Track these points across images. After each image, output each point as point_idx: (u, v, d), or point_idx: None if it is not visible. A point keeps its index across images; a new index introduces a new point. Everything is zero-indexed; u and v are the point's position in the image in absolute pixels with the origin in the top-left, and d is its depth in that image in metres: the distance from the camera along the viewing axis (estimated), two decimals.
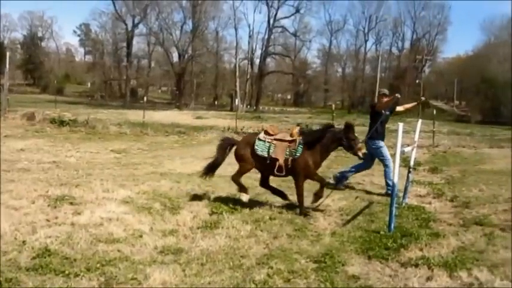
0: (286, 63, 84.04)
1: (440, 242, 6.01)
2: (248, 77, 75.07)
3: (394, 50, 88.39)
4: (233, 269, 4.95)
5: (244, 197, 7.50)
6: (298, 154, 7.31)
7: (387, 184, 9.32)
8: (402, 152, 7.45)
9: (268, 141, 7.44)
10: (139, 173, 10.55)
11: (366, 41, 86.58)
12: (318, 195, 7.49)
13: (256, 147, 7.46)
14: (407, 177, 8.75)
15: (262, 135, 7.58)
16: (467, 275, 4.91)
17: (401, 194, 8.59)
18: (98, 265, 4.83)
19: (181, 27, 71.44)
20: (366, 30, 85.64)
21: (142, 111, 27.08)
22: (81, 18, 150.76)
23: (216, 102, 79.28)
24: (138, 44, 77.67)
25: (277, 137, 7.50)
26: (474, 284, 4.71)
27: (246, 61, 77.05)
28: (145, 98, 35.98)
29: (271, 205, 7.72)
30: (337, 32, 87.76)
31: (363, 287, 4.67)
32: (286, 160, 7.31)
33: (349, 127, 7.40)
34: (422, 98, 10.73)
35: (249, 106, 71.59)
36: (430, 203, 8.59)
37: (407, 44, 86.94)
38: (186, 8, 70.55)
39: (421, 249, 5.69)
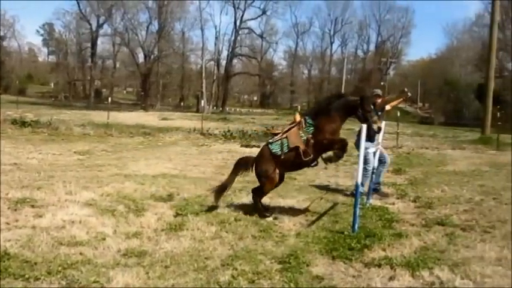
0: (253, 64, 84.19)
1: (403, 242, 6.10)
2: (214, 78, 74.90)
3: (360, 53, 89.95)
4: (197, 271, 4.91)
5: (270, 217, 7.26)
6: (311, 128, 7.16)
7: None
8: (366, 153, 7.55)
9: (279, 139, 7.31)
10: (103, 174, 10.40)
11: (331, 43, 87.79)
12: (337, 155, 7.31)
13: (273, 151, 7.29)
14: (371, 178, 8.86)
15: (271, 140, 7.48)
16: (429, 274, 4.99)
17: (365, 195, 8.70)
18: (60, 268, 4.73)
19: (147, 27, 70.92)
20: (332, 33, 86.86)
21: (107, 112, 26.77)
22: (45, 18, 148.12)
23: (182, 104, 78.87)
24: (103, 45, 76.80)
25: (285, 130, 7.42)
26: (435, 283, 4.78)
27: (212, 62, 76.90)
28: (109, 99, 35.60)
29: (237, 206, 7.72)
30: (303, 34, 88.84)
31: (326, 287, 4.70)
32: (307, 141, 7.11)
33: (365, 98, 7.23)
34: (409, 94, 10.76)
35: (215, 107, 71.47)
36: (393, 204, 8.68)
37: (372, 47, 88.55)
38: (152, 9, 70.03)
39: (384, 250, 5.75)
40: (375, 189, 9.35)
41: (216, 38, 76.52)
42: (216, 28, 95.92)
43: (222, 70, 77.42)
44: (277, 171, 7.34)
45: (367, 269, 5.16)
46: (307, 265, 5.17)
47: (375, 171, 9.03)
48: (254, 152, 16.68)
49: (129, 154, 14.83)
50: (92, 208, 7.09)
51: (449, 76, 67.99)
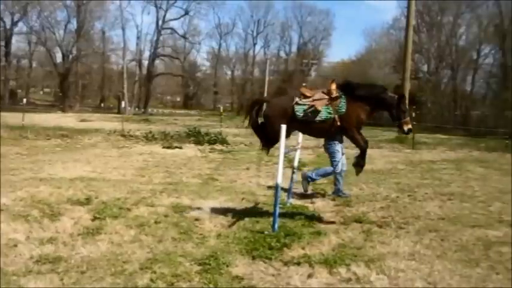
0: (176, 65, 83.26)
1: (322, 240, 6.22)
2: (136, 78, 73.68)
3: (282, 54, 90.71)
4: (115, 275, 4.79)
5: None
6: (343, 110, 6.97)
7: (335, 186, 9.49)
8: (286, 153, 7.63)
9: (307, 104, 7.07)
10: (16, 178, 9.96)
11: (254, 45, 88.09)
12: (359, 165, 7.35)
13: (297, 113, 7.05)
14: (292, 177, 8.97)
15: (298, 100, 7.17)
16: (346, 270, 5.12)
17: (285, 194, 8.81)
18: None
19: (65, 26, 68.48)
20: (255, 34, 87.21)
21: (22, 114, 25.74)
22: None
23: (102, 105, 76.90)
24: (18, 43, 73.26)
25: (316, 97, 7.12)
26: (352, 279, 4.91)
27: (134, 63, 75.62)
28: (24, 100, 34.23)
29: (157, 209, 7.60)
30: (227, 35, 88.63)
31: (246, 287, 4.71)
32: (333, 119, 6.98)
33: (403, 98, 7.17)
34: None
35: (137, 108, 70.27)
36: (313, 203, 8.84)
37: (294, 48, 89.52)
38: (70, 7, 67.83)
39: (303, 248, 5.84)
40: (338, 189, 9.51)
41: (138, 38, 75.46)
42: (137, 28, 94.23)
43: (144, 71, 76.25)
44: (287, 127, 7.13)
45: (287, 268, 5.21)
46: (227, 266, 5.15)
47: (295, 171, 9.16)
48: (176, 153, 16.64)
49: (45, 157, 14.28)
50: (3, 214, 6.75)
51: (368, 77, 69.96)
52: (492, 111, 52.46)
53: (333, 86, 7.17)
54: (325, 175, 9.47)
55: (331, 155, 9.18)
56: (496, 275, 5.17)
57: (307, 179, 9.37)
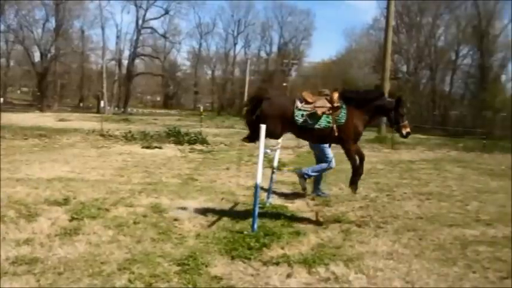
0: (156, 64, 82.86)
1: (301, 239, 6.24)
2: (116, 78, 73.15)
3: (263, 54, 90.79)
4: (92, 276, 4.75)
5: None
6: (343, 121, 6.92)
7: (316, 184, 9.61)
8: (265, 153, 7.62)
9: (307, 111, 6.98)
10: None
11: (235, 44, 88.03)
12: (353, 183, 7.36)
13: (296, 118, 6.97)
14: (271, 177, 8.97)
15: (299, 105, 7.05)
16: (325, 270, 5.14)
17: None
18: None
19: (44, 25, 67.67)
20: (235, 34, 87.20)
21: None
22: None
23: (81, 104, 76.24)
24: None
25: (317, 104, 7.01)
26: (330, 279, 4.93)
27: (113, 62, 75.05)
28: (1, 99, 33.82)
29: (136, 209, 7.54)
30: (207, 35, 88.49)
31: (225, 287, 4.70)
32: (331, 128, 6.92)
33: (401, 101, 7.15)
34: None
35: (117, 108, 69.76)
36: (293, 203, 8.85)
37: (275, 48, 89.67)
38: (49, 6, 67.03)
39: (282, 248, 5.84)
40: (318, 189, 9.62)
41: (118, 37, 74.94)
42: (117, 27, 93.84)
43: (124, 70, 75.72)
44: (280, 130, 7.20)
45: (266, 268, 5.21)
46: (206, 266, 5.14)
47: (274, 171, 9.17)
48: (155, 153, 16.54)
49: (22, 157, 14.08)
50: None
51: (348, 77, 70.32)
52: (470, 112, 53.26)
53: (336, 96, 7.11)
54: (320, 171, 9.45)
55: (322, 151, 9.26)
56: (473, 273, 5.23)
57: (303, 177, 9.30)
